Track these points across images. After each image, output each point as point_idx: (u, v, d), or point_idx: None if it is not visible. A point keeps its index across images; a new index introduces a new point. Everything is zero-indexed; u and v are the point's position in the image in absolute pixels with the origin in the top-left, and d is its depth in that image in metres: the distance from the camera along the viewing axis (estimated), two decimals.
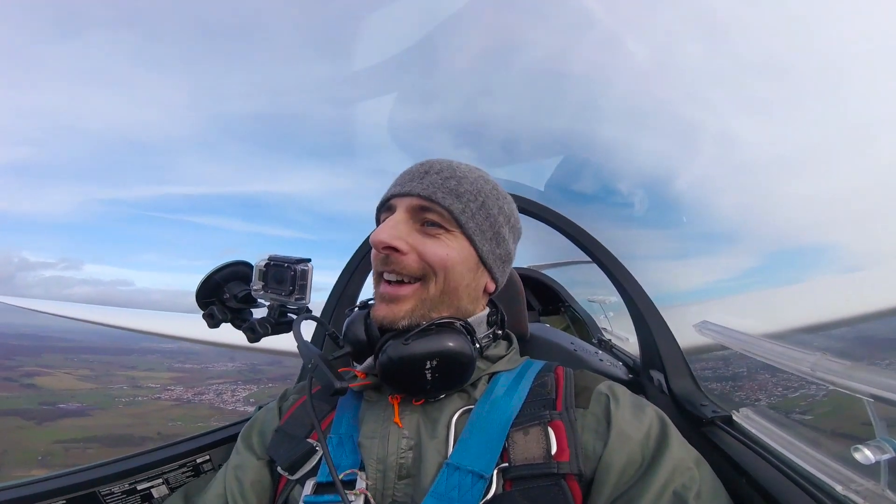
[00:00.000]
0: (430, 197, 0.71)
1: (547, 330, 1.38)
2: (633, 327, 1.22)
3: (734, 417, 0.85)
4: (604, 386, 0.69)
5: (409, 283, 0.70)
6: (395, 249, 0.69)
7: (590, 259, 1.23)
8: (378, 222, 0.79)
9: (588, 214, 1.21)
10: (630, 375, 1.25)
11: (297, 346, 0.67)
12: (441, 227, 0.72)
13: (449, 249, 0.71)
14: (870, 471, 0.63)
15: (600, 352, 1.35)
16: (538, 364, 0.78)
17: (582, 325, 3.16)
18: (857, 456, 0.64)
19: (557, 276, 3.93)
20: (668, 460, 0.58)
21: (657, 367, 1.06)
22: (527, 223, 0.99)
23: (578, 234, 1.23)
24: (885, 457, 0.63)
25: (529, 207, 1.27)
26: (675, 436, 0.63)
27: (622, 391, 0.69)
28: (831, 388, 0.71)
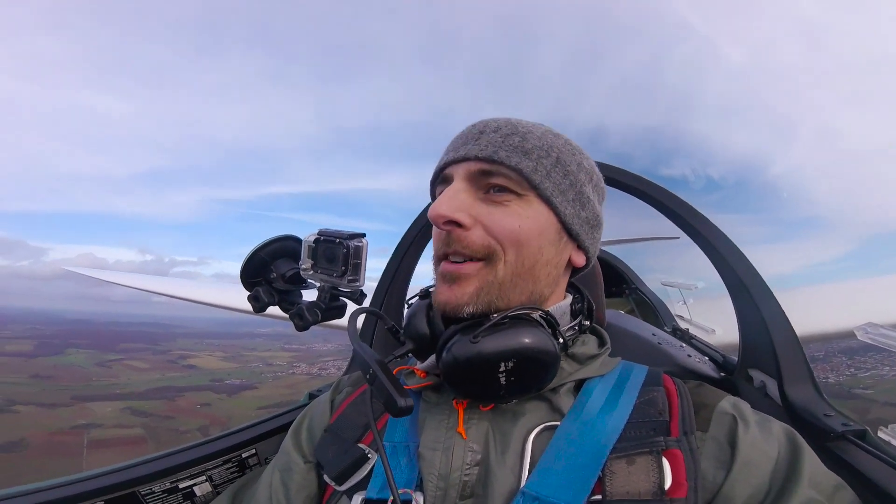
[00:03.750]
0: (491, 157, 0.58)
1: (624, 318, 1.26)
2: (717, 319, 1.14)
3: (880, 433, 0.72)
4: (727, 404, 0.57)
5: (474, 261, 0.59)
6: (458, 224, 0.57)
7: (669, 235, 1.08)
8: (433, 197, 0.68)
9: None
10: (721, 374, 1.09)
11: (353, 351, 0.58)
12: (511, 191, 0.59)
13: (521, 219, 0.59)
14: None
15: (685, 346, 1.21)
16: (640, 370, 0.64)
17: (650, 310, 2.78)
18: None
19: (620, 254, 3.49)
20: (798, 493, 0.48)
21: (762, 367, 0.92)
22: None
23: (668, 200, 1.01)
24: None
25: (605, 172, 1.00)
26: (809, 461, 0.51)
27: (748, 410, 0.57)
28: None
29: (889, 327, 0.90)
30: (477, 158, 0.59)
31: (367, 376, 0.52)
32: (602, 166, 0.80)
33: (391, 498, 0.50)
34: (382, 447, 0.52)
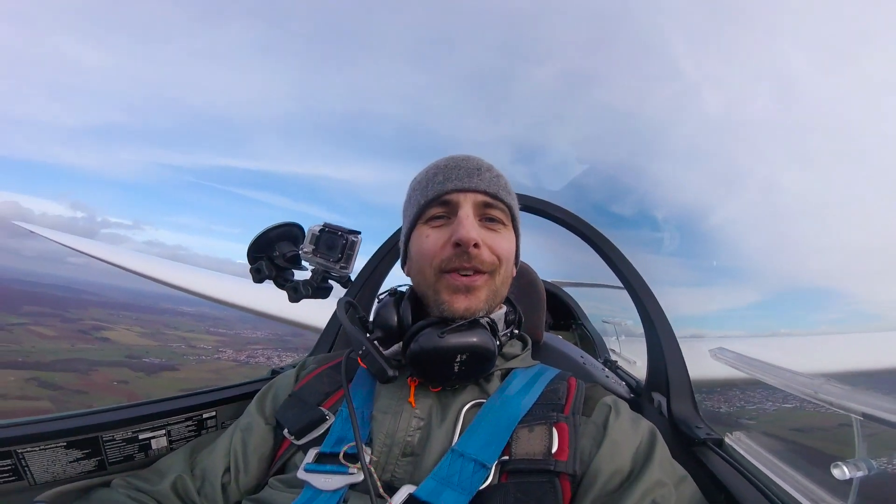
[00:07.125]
0: (496, 194, 0.78)
1: (559, 340, 1.43)
2: (641, 353, 1.26)
3: (726, 440, 0.90)
4: (609, 399, 0.73)
5: (481, 274, 0.75)
6: (476, 245, 0.73)
7: (619, 285, 1.24)
8: (420, 216, 0.80)
9: (620, 236, 1.23)
10: (631, 395, 1.28)
11: (346, 330, 0.74)
12: (501, 222, 0.79)
13: (508, 242, 0.79)
14: (844, 491, 0.72)
15: (606, 369, 1.40)
16: (553, 371, 0.82)
17: (590, 344, 3.22)
18: (835, 472, 0.73)
19: (572, 293, 4.04)
20: (650, 474, 0.61)
21: (660, 390, 1.09)
22: (550, 235, 0.99)
23: (610, 251, 1.22)
24: (859, 474, 0.73)
25: (566, 218, 1.28)
26: (661, 451, 0.65)
27: (625, 407, 0.72)
28: (829, 408, 0.82)
29: (735, 352, 1.19)
30: (485, 192, 0.77)
31: (361, 352, 0.70)
32: (563, 211, 1.27)
33: (343, 449, 0.66)
34: (350, 399, 0.67)
